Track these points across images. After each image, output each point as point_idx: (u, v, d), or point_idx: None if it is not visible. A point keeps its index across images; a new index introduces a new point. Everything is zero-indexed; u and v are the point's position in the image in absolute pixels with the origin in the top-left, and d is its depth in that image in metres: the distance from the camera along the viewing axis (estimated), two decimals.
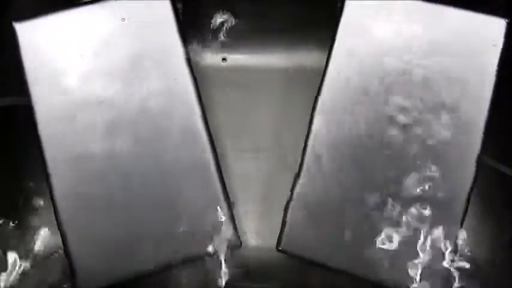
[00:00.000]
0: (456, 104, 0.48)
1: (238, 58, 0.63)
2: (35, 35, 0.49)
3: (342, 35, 0.49)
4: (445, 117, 0.48)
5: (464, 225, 0.48)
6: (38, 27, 0.49)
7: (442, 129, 0.48)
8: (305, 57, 0.63)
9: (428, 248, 0.47)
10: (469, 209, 0.48)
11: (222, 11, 0.62)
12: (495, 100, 0.48)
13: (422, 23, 0.49)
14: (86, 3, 0.50)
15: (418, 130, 0.48)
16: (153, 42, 0.49)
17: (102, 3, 0.50)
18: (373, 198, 0.48)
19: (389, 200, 0.48)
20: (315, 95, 0.50)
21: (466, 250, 0.51)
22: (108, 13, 0.49)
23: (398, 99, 0.49)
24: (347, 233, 0.48)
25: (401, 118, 0.48)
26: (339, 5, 0.50)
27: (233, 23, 0.63)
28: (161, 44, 0.49)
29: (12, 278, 0.50)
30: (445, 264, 0.47)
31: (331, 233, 0.48)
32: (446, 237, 0.47)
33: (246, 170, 0.60)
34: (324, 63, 0.50)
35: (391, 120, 0.48)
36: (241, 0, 0.63)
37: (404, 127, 0.48)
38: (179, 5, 0.57)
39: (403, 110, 0.48)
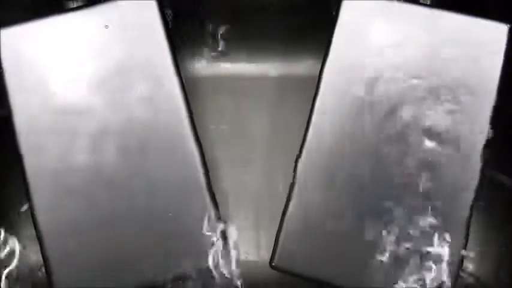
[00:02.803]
0: (457, 112, 0.47)
1: (230, 66, 0.63)
2: (17, 42, 0.47)
3: (338, 39, 0.48)
4: (446, 125, 0.47)
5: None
6: (21, 34, 0.47)
7: (442, 137, 0.46)
8: (299, 65, 0.62)
9: (429, 264, 0.46)
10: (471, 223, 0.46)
11: (214, 17, 0.62)
12: (497, 108, 0.46)
13: (421, 29, 0.47)
14: (70, 10, 0.48)
15: (418, 139, 0.47)
16: (139, 49, 0.48)
17: (87, 9, 0.48)
18: (370, 212, 0.46)
19: (388, 214, 0.46)
20: (309, 103, 0.48)
21: (469, 266, 0.50)
22: (93, 20, 0.48)
23: (395, 107, 0.47)
24: (344, 248, 0.46)
25: (400, 126, 0.47)
26: (333, 12, 0.49)
27: (225, 30, 0.62)
28: (148, 51, 0.48)
29: None
30: (447, 280, 0.46)
31: (327, 248, 0.47)
32: (448, 253, 0.46)
33: (238, 181, 0.59)
34: (318, 71, 0.48)
35: (390, 129, 0.47)
36: (234, 7, 0.62)
37: (403, 135, 0.47)
38: (169, 11, 0.57)
39: (401, 117, 0.47)
